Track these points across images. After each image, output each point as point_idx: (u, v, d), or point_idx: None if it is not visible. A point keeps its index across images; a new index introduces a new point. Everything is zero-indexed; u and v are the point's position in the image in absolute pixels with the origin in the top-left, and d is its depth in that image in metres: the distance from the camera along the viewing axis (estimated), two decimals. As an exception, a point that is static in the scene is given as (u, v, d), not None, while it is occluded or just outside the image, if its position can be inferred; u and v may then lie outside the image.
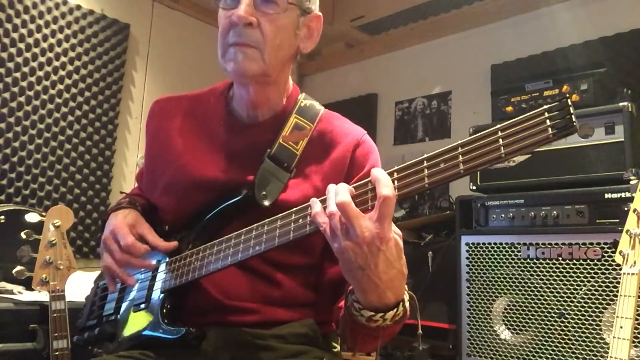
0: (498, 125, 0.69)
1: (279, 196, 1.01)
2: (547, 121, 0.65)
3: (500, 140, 0.68)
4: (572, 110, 0.64)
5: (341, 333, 0.99)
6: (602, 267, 1.71)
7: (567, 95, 0.67)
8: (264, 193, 1.00)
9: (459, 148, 0.72)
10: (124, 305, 1.11)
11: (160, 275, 1.05)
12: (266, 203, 0.99)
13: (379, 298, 0.80)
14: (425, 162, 0.75)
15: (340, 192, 0.77)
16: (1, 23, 2.49)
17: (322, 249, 1.04)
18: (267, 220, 0.90)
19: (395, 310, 0.81)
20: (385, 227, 0.75)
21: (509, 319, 1.90)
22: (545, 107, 0.66)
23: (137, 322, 1.04)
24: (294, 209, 0.87)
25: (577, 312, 1.73)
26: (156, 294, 1.04)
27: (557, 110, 0.65)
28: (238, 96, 1.11)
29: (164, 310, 1.00)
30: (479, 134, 0.71)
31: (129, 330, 1.05)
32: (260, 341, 0.98)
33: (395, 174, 0.77)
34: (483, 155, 0.70)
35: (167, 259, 1.06)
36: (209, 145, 1.10)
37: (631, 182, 1.73)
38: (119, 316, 1.10)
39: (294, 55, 1.09)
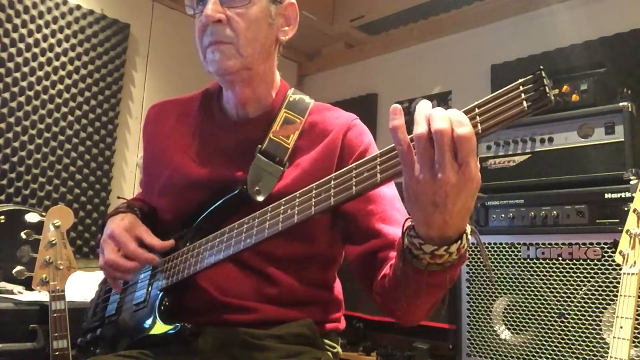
0: (475, 103, 0.68)
1: (273, 190, 1.01)
2: (522, 95, 0.65)
3: (477, 117, 0.67)
4: (545, 82, 0.64)
5: (387, 299, 0.92)
6: (602, 267, 1.70)
7: (541, 67, 0.65)
8: (257, 188, 1.00)
9: None
10: (125, 306, 1.11)
11: (159, 274, 1.06)
12: (259, 198, 1.00)
13: (441, 233, 0.71)
14: (378, 158, 0.74)
15: (437, 118, 0.65)
16: (1, 23, 2.48)
17: (329, 237, 1.05)
18: (258, 212, 0.90)
19: (459, 242, 0.73)
20: (472, 167, 0.66)
21: (509, 319, 1.90)
22: (519, 80, 0.66)
23: (137, 322, 1.05)
24: (283, 199, 0.87)
25: (577, 312, 1.73)
26: (154, 293, 1.05)
27: (532, 83, 0.65)
28: (226, 97, 1.12)
29: (162, 308, 1.01)
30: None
31: (130, 331, 1.05)
32: (257, 341, 0.98)
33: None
34: None
35: (164, 258, 1.06)
36: (202, 145, 1.11)
37: (631, 182, 1.73)
38: (120, 316, 1.11)
39: (274, 46, 1.09)
